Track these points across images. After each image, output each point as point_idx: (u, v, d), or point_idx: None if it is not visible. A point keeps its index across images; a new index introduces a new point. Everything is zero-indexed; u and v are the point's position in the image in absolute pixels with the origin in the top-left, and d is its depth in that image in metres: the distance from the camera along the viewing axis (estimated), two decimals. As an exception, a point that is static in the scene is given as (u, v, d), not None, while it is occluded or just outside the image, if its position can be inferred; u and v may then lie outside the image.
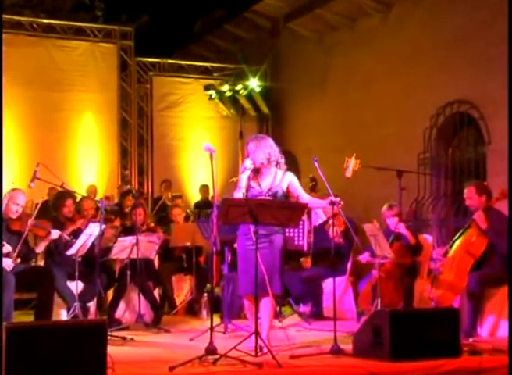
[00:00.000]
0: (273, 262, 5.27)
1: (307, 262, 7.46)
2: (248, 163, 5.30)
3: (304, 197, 5.42)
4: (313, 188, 7.48)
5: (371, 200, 9.47)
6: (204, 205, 10.93)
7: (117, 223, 7.58)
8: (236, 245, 5.52)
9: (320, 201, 5.60)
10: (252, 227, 5.06)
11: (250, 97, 12.58)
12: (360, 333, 5.11)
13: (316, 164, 5.35)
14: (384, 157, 9.55)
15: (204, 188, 11.40)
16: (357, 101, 11.02)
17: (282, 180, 5.39)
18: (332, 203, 5.30)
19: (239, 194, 5.26)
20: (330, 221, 6.83)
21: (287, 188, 5.41)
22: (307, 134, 12.10)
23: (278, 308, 6.72)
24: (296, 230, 7.08)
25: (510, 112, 5.69)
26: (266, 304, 5.31)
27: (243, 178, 5.31)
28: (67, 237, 6.49)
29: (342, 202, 5.25)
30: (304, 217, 7.02)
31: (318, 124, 11.87)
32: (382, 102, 10.57)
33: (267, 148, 5.36)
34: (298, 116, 12.44)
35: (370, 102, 10.76)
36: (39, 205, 6.39)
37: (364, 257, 6.89)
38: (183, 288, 8.06)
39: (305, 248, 7.16)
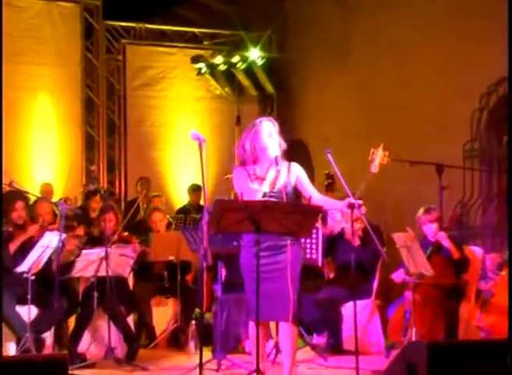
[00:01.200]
0: (292, 280, 5.28)
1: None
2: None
3: (315, 196, 5.46)
4: (329, 187, 7.54)
5: (404, 202, 9.49)
6: (192, 210, 10.88)
7: (81, 231, 7.57)
8: (240, 260, 5.50)
9: (336, 201, 5.62)
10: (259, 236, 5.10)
11: (249, 72, 12.44)
12: (390, 371, 5.11)
13: (330, 157, 5.37)
14: (420, 148, 9.49)
15: (196, 191, 11.27)
16: (385, 76, 10.89)
17: (289, 173, 5.42)
18: (351, 206, 5.29)
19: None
20: (348, 228, 6.99)
21: (295, 185, 5.47)
22: (322, 119, 11.98)
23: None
24: (308, 241, 7.02)
25: (510, 111, 5.91)
26: (287, 331, 5.35)
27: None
28: None
29: (364, 207, 5.29)
30: (318, 224, 7.03)
31: (337, 106, 11.76)
32: (417, 78, 10.46)
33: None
34: (311, 96, 12.33)
35: (402, 78, 10.64)
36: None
37: (399, 275, 6.84)
38: (164, 314, 8.02)
39: (319, 263, 7.17)
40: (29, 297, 6.32)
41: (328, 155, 5.43)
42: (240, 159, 5.49)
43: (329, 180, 7.56)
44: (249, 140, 5.42)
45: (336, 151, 5.42)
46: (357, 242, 7.15)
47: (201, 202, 10.96)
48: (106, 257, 6.76)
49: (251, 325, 5.47)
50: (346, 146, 10.41)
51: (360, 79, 11.40)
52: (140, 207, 10.56)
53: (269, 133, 5.40)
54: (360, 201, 5.33)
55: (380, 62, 11.04)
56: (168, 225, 8.91)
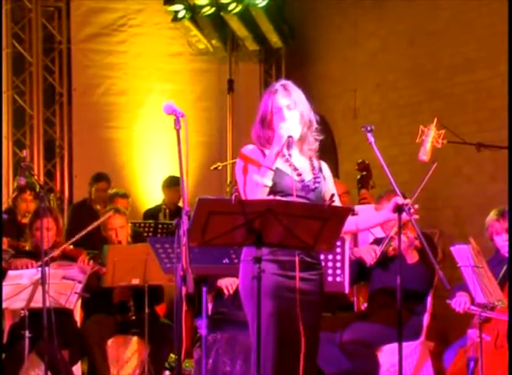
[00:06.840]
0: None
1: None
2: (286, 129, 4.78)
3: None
4: (364, 182, 7.34)
5: (466, 203, 8.90)
6: (167, 213, 10.12)
7: (5, 244, 7.31)
8: (239, 282, 4.94)
9: (374, 213, 5.46)
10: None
11: (247, 17, 11.28)
12: None
13: (370, 137, 4.87)
14: (492, 126, 8.59)
15: (174, 186, 10.17)
16: (445, 22, 9.82)
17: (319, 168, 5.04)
18: (399, 209, 4.71)
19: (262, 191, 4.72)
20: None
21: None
22: (351, 83, 11.12)
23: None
24: (330, 257, 6.35)
25: (509, 108, 6.41)
26: None
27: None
28: None
29: (415, 207, 4.75)
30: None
31: (369, 66, 10.92)
32: (491, 28, 9.25)
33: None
34: (333, 53, 11.50)
35: (470, 27, 9.50)
36: None
37: (460, 300, 6.09)
38: (127, 360, 7.51)
39: (346, 289, 6.41)
40: None
41: (369, 135, 4.84)
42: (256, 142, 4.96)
43: (364, 173, 7.31)
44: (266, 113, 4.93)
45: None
46: (418, 246, 6.66)
47: (177, 203, 10.40)
48: (43, 281, 6.21)
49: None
50: (385, 123, 9.83)
51: (410, 26, 10.32)
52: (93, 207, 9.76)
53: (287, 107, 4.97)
54: (409, 202, 4.75)
55: (440, 4, 9.90)
56: (135, 237, 8.23)
